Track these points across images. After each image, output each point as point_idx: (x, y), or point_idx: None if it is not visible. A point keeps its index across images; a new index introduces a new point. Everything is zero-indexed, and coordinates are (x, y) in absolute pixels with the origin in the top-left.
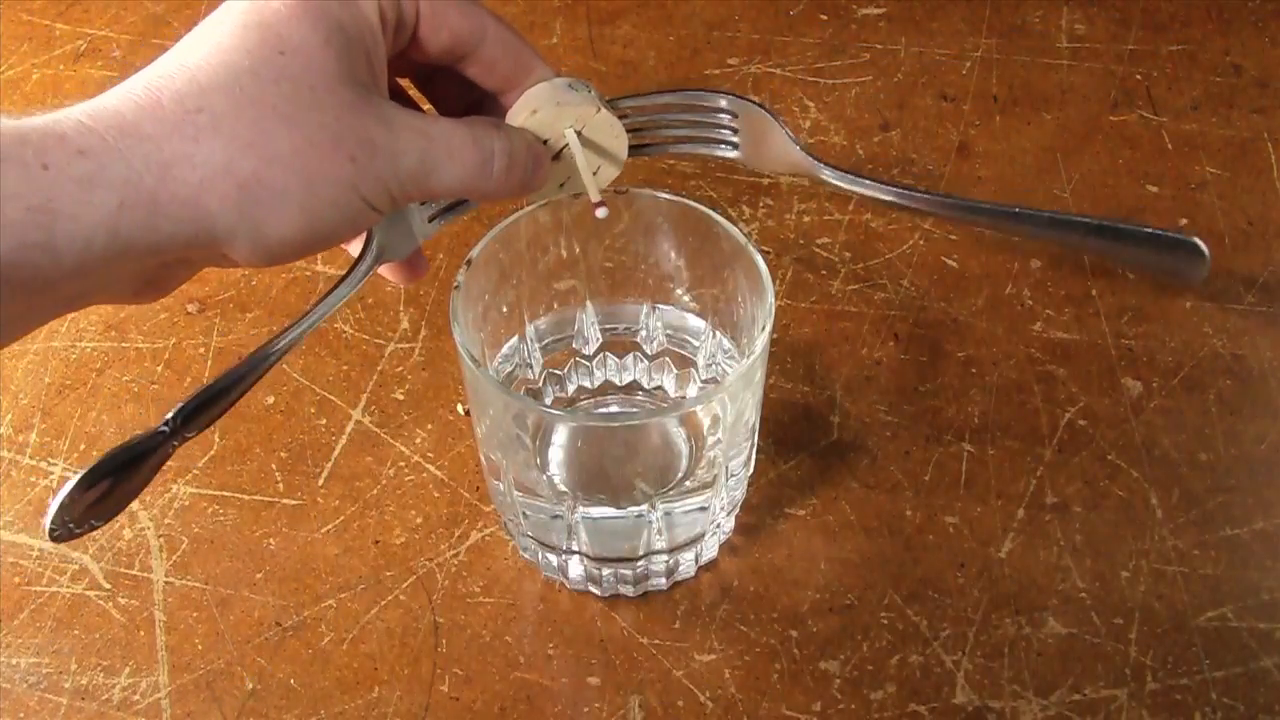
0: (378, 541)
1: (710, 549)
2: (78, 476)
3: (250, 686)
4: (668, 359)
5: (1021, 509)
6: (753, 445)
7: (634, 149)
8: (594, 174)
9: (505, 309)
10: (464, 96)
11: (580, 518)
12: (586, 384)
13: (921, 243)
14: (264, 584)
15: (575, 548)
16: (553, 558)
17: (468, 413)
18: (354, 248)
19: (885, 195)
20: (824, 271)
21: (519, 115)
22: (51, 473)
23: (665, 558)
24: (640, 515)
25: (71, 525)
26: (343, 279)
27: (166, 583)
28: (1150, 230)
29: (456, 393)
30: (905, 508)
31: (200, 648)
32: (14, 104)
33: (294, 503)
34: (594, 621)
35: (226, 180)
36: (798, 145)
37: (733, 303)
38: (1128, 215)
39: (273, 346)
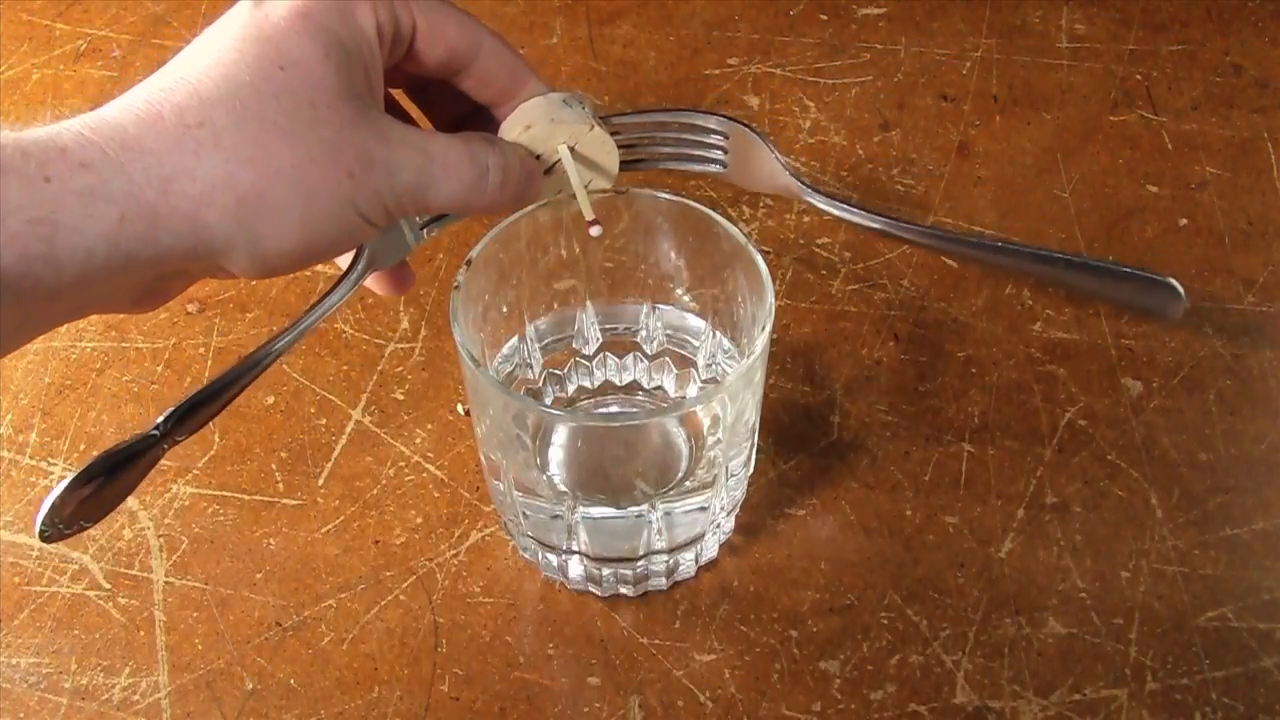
0: (378, 541)
1: (710, 549)
2: (69, 479)
3: (250, 686)
4: (668, 359)
5: (1021, 509)
6: (753, 445)
7: (624, 164)
8: (586, 187)
9: (505, 309)
10: (456, 108)
11: (580, 518)
12: (586, 384)
13: None
14: (264, 584)
15: (575, 548)
16: (553, 558)
17: (468, 413)
18: (344, 257)
19: (866, 221)
20: (824, 271)
21: (513, 130)
22: (51, 473)
23: (665, 558)
24: (640, 515)
25: (61, 525)
26: (334, 286)
27: (166, 583)
28: (1129, 269)
29: (456, 393)
30: (905, 508)
31: (200, 648)
32: (14, 104)
33: (294, 503)
34: (594, 621)
35: (226, 194)
36: (785, 167)
37: (733, 303)
38: (1127, 215)
39: (265, 351)
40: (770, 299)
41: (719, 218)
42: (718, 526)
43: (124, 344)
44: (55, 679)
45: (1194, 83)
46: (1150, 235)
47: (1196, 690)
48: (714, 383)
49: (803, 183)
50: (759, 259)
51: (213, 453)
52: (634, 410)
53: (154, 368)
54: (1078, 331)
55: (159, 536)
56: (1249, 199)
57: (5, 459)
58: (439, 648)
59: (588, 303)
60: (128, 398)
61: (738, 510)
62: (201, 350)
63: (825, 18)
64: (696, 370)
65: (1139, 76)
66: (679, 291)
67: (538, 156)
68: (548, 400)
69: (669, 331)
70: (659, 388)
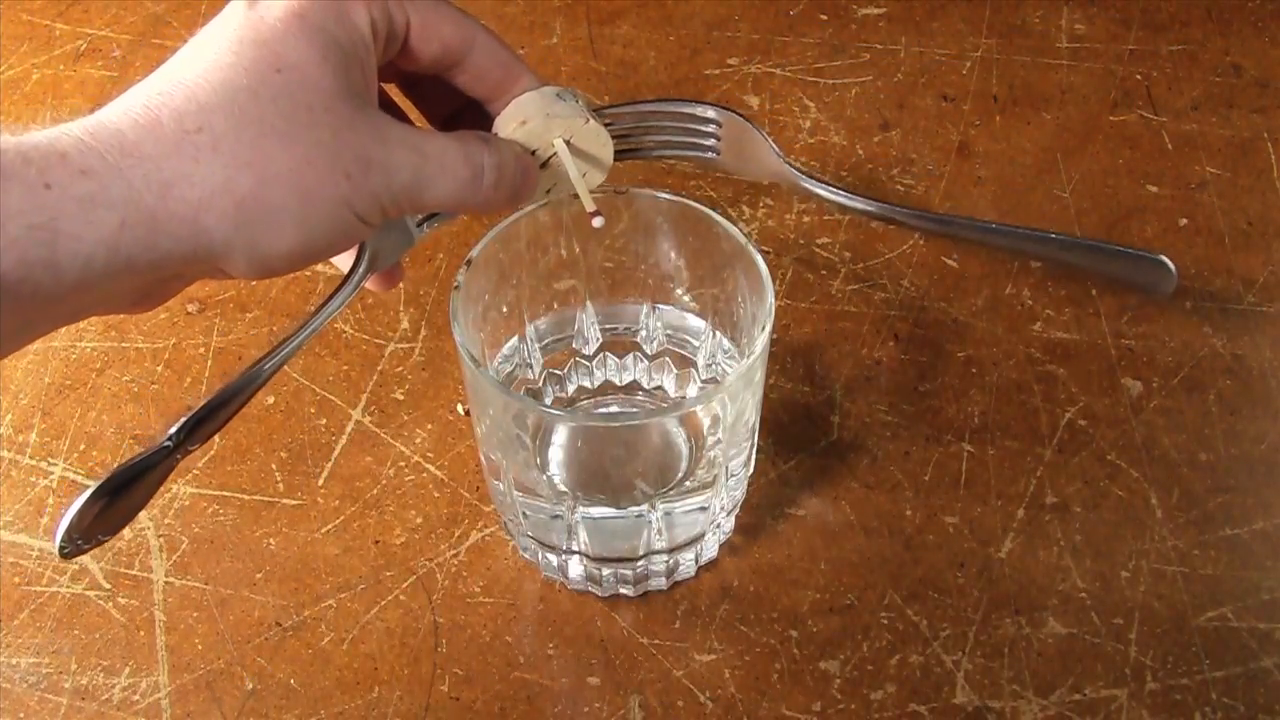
0: (378, 541)
1: (710, 549)
2: (85, 495)
3: (250, 686)
4: (668, 359)
5: (1021, 509)
6: (753, 445)
7: (619, 154)
8: (582, 178)
9: (505, 309)
10: (450, 103)
11: (580, 518)
12: (586, 384)
13: (921, 243)
14: (264, 584)
15: (575, 548)
16: (553, 558)
17: (468, 413)
18: (345, 256)
19: (857, 205)
20: (824, 271)
21: (508, 125)
22: (51, 473)
23: (665, 558)
24: (640, 515)
25: (80, 541)
26: (340, 285)
27: (166, 583)
28: (1120, 247)
29: (456, 393)
30: (905, 508)
31: (200, 648)
32: (14, 104)
33: (294, 503)
34: (594, 621)
35: (225, 199)
36: (777, 153)
37: (733, 303)
38: (1127, 215)
39: (275, 355)
40: (770, 299)
41: (719, 218)
42: (718, 526)
43: (124, 344)
44: (55, 679)
45: (1194, 83)
46: (1150, 235)
47: (1196, 690)
48: (714, 383)
49: (795, 168)
50: (759, 259)
51: (213, 453)
52: (634, 410)
53: (154, 368)
54: (1078, 331)
55: (159, 536)
56: (1249, 199)
57: (5, 459)
58: (439, 648)
59: (588, 303)
60: (128, 398)
61: (738, 510)
62: (201, 350)
63: (825, 18)
64: (696, 370)
65: (1139, 76)
66: (679, 291)
67: (533, 151)
68: (548, 400)
69: (669, 331)
70: (659, 388)
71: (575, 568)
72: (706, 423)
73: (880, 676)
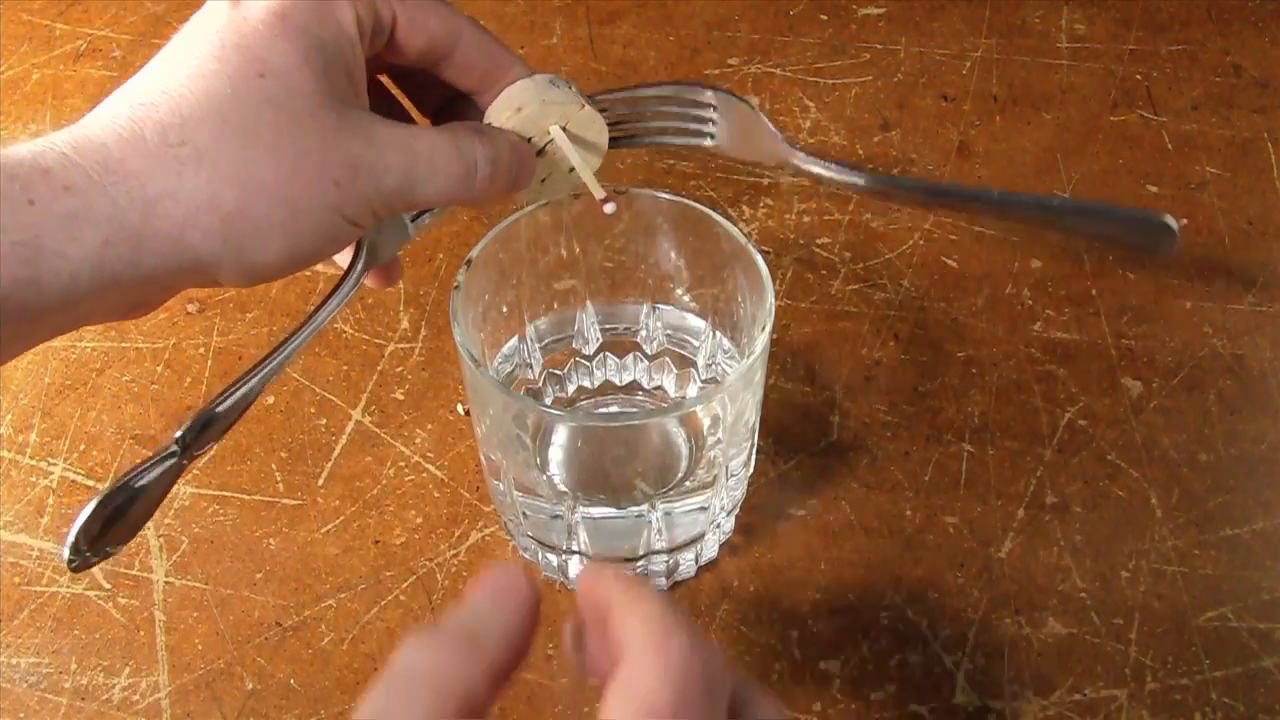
0: (378, 541)
1: (710, 549)
2: (90, 506)
3: (250, 686)
4: (668, 359)
5: (1021, 509)
6: (753, 445)
7: (613, 141)
8: (573, 169)
9: (505, 309)
10: (441, 91)
11: (580, 518)
12: (586, 384)
13: (921, 243)
14: (264, 584)
15: (575, 548)
16: (553, 558)
17: (468, 413)
18: (343, 253)
19: (858, 180)
20: (824, 271)
21: (502, 113)
22: (51, 473)
23: (665, 558)
24: (640, 515)
25: (88, 553)
26: (339, 283)
27: (166, 583)
28: (1122, 210)
29: (456, 393)
30: (905, 508)
31: (200, 648)
32: (14, 104)
33: (294, 503)
34: None
35: (210, 214)
36: (775, 134)
37: (733, 303)
38: None
39: (276, 355)
40: (770, 299)
41: (719, 218)
42: (718, 526)
43: (124, 344)
44: (55, 679)
45: (1194, 83)
46: None
47: (1196, 690)
48: (714, 383)
49: (793, 147)
50: (759, 259)
51: (213, 453)
52: (634, 410)
53: (154, 368)
54: (1078, 331)
55: (159, 536)
56: (1249, 199)
57: (5, 459)
58: None
59: (588, 303)
60: (128, 398)
61: (738, 510)
62: (201, 350)
63: (825, 18)
64: (696, 370)
65: (1139, 76)
66: (679, 291)
67: (529, 140)
68: (548, 400)
69: (669, 331)
70: (659, 388)
71: (575, 568)
72: (706, 423)
73: (880, 676)
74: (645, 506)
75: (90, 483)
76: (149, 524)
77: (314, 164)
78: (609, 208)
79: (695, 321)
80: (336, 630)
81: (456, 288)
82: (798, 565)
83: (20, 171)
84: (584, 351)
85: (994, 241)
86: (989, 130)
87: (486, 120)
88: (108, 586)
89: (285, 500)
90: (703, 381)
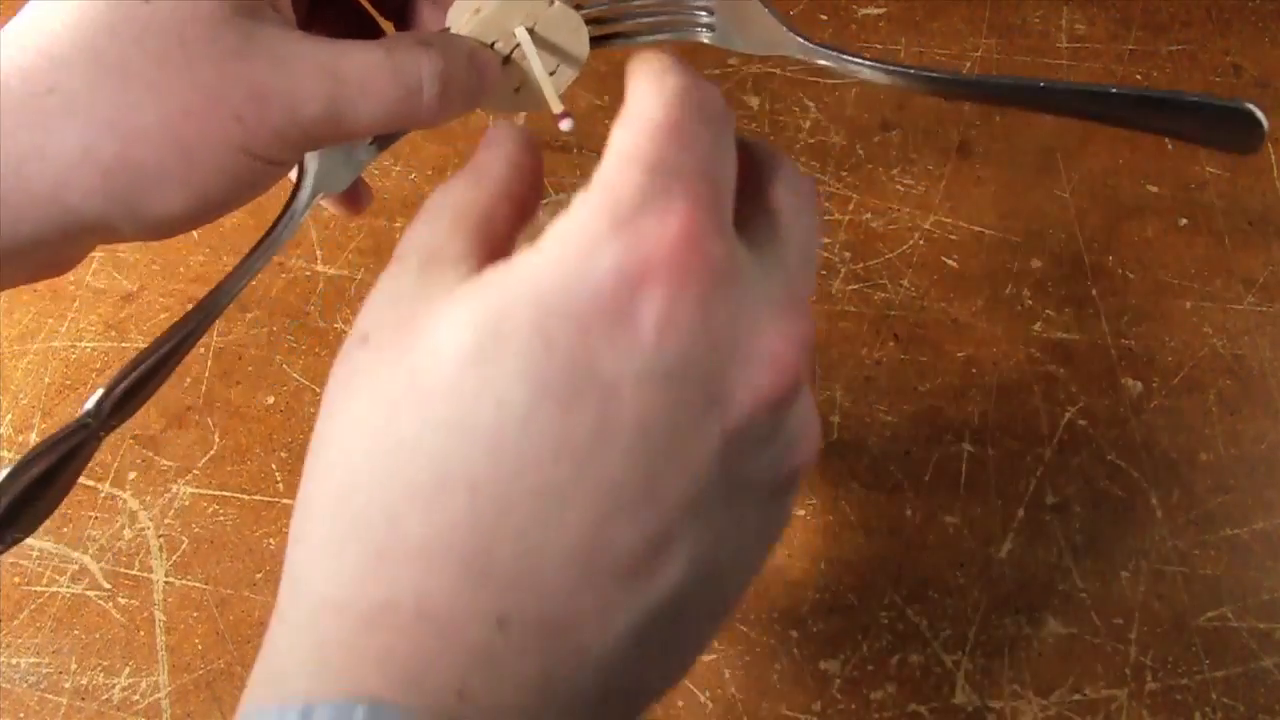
0: None
1: None
2: None
3: None
4: None
5: (1021, 509)
6: None
7: (595, 41)
8: (550, 75)
9: None
10: None
11: None
12: None
13: (921, 243)
14: (264, 584)
15: None
16: None
17: None
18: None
19: (879, 74)
20: (824, 271)
21: (461, 15)
22: None
23: None
24: None
25: None
26: (277, 219)
27: (166, 583)
28: (1195, 98)
29: None
30: (905, 508)
31: (200, 648)
32: None
33: (294, 503)
34: None
35: (87, 169)
36: (782, 22)
37: None
38: (1127, 215)
39: (206, 309)
40: None
41: None
42: None
43: (124, 344)
44: (55, 679)
45: (1194, 83)
46: (1150, 235)
47: (1196, 690)
48: None
49: (800, 36)
50: None
51: (213, 453)
52: None
53: None
54: (1078, 331)
55: (159, 536)
56: (1249, 199)
57: (5, 459)
58: None
59: None
60: None
61: None
62: (201, 350)
63: (825, 18)
64: None
65: (1139, 76)
66: None
67: (492, 45)
68: None
69: None
70: None
71: None
72: None
73: (880, 676)
74: None
75: (90, 483)
76: (149, 524)
77: (208, 100)
78: (565, 124)
79: None
80: None
81: None
82: (798, 565)
83: None
84: None
85: (994, 241)
86: (989, 130)
87: (448, 24)
88: (108, 586)
89: (285, 500)
90: None
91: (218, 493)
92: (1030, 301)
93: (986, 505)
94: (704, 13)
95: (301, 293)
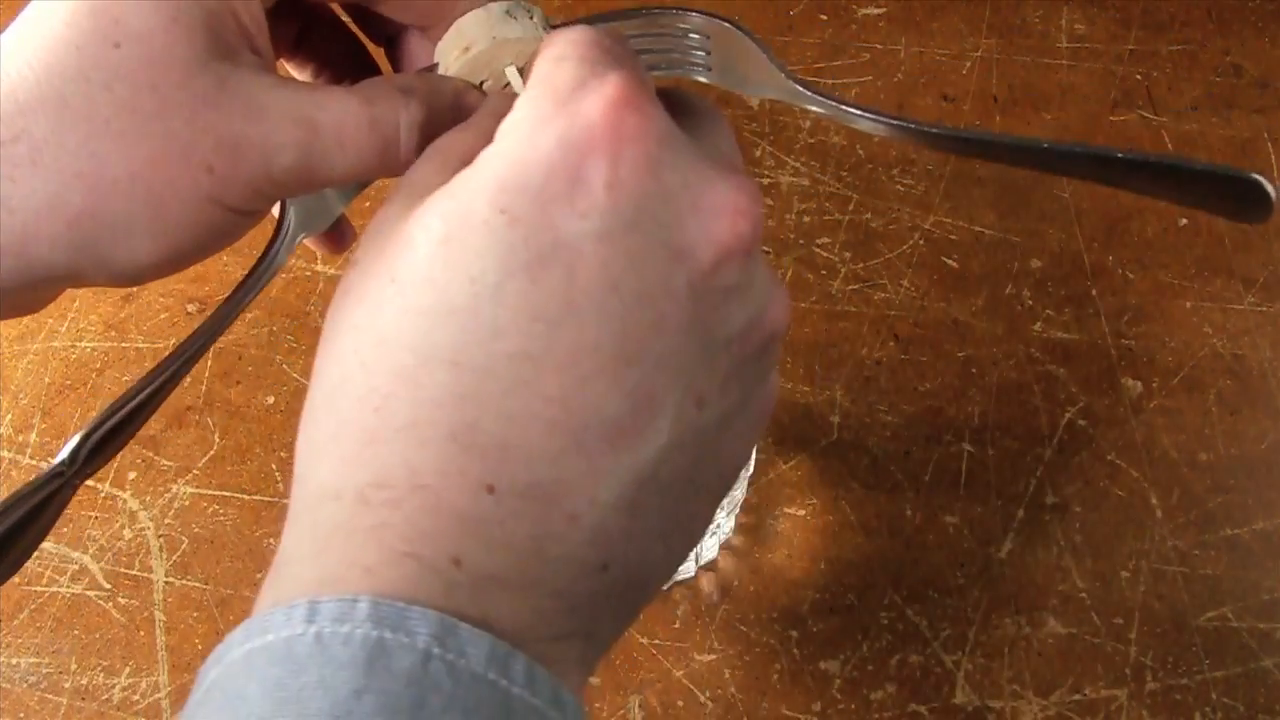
0: None
1: (710, 549)
2: None
3: None
4: None
5: (1021, 509)
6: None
7: None
8: None
9: None
10: (389, 24)
11: None
12: None
13: (921, 243)
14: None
15: None
16: None
17: None
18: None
19: (868, 120)
20: (824, 271)
21: (449, 54)
22: None
23: None
24: None
25: None
26: (254, 268)
27: (166, 583)
28: (1201, 166)
29: None
30: (905, 508)
31: (200, 648)
32: None
33: None
34: None
35: (54, 221)
36: (776, 65)
37: None
38: (1127, 215)
39: (179, 358)
40: None
41: None
42: (718, 526)
43: (124, 344)
44: (55, 679)
45: (1194, 83)
46: (1150, 235)
47: (1196, 690)
48: None
49: (793, 79)
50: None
51: (213, 453)
52: None
53: None
54: (1078, 331)
55: (159, 536)
56: None
57: (5, 459)
58: None
59: None
60: None
61: (738, 510)
62: None
63: (825, 18)
64: None
65: (1139, 76)
66: None
67: (481, 84)
68: None
69: None
70: None
71: None
72: None
73: (880, 676)
74: None
75: (90, 483)
76: (149, 524)
77: (179, 150)
78: None
79: None
80: None
81: None
82: (798, 565)
83: None
84: None
85: (994, 241)
86: (989, 130)
87: (436, 60)
88: (108, 586)
89: (285, 500)
90: None
91: (218, 493)
92: (1030, 301)
93: (986, 505)
94: (700, 51)
95: (301, 293)
